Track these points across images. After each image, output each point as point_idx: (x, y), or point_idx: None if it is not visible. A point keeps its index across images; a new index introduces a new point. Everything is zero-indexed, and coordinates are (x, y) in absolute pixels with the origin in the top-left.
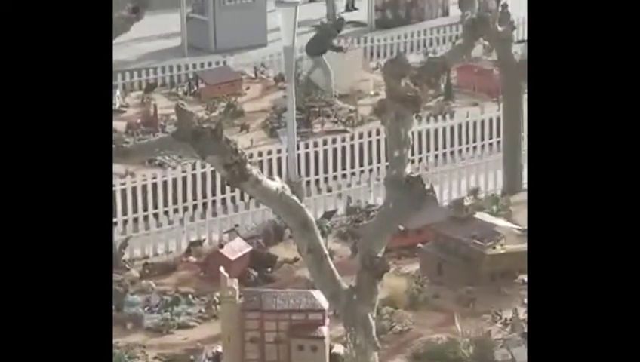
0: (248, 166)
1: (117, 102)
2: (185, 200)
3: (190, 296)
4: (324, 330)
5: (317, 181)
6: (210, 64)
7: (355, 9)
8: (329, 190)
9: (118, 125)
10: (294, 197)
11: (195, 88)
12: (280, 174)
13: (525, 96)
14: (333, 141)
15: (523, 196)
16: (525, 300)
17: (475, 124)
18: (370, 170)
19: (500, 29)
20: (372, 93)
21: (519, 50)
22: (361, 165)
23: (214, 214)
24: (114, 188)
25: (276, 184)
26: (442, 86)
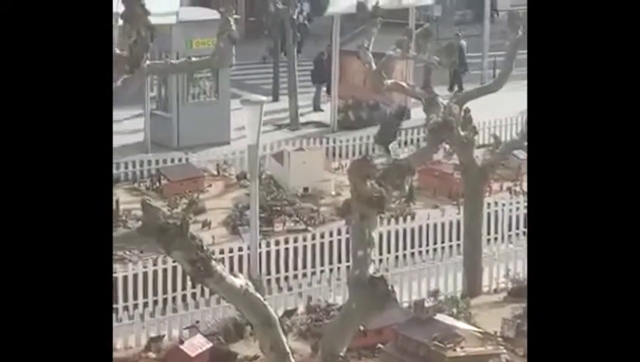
0: (213, 262)
1: None
2: (145, 295)
3: None
4: None
5: (277, 279)
6: (172, 160)
7: (321, 110)
8: (290, 289)
9: None
10: (258, 295)
11: (158, 184)
12: (241, 272)
13: (485, 200)
14: (295, 240)
15: (482, 299)
16: None
17: (435, 226)
18: (331, 270)
19: (462, 133)
20: (333, 193)
21: (480, 155)
22: (322, 264)
23: (175, 310)
24: None
25: (240, 281)
26: (407, 188)
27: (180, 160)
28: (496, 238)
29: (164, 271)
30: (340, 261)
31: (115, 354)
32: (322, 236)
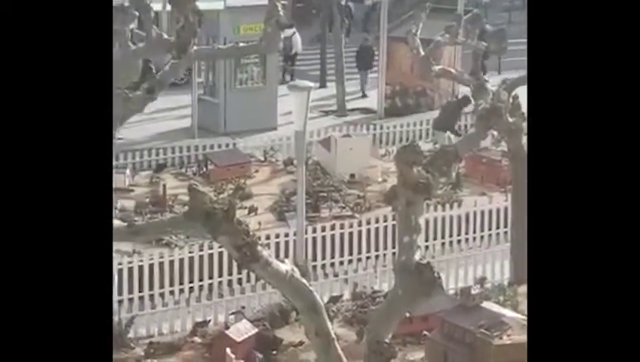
0: (259, 248)
1: (126, 181)
2: (191, 280)
3: None
4: None
5: (323, 265)
6: (219, 146)
7: (366, 96)
8: (335, 275)
9: (127, 204)
10: (303, 281)
11: (205, 169)
12: (287, 257)
13: None
14: (341, 226)
15: None
16: None
17: (482, 213)
18: (377, 256)
19: (510, 120)
20: (380, 179)
21: None
22: (368, 251)
23: (220, 295)
24: (120, 267)
25: (286, 267)
26: (454, 174)
27: (226, 145)
28: None
29: (210, 256)
30: (385, 247)
31: (160, 339)
32: (368, 222)
